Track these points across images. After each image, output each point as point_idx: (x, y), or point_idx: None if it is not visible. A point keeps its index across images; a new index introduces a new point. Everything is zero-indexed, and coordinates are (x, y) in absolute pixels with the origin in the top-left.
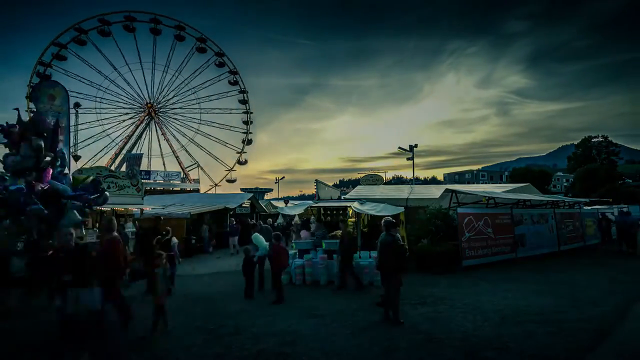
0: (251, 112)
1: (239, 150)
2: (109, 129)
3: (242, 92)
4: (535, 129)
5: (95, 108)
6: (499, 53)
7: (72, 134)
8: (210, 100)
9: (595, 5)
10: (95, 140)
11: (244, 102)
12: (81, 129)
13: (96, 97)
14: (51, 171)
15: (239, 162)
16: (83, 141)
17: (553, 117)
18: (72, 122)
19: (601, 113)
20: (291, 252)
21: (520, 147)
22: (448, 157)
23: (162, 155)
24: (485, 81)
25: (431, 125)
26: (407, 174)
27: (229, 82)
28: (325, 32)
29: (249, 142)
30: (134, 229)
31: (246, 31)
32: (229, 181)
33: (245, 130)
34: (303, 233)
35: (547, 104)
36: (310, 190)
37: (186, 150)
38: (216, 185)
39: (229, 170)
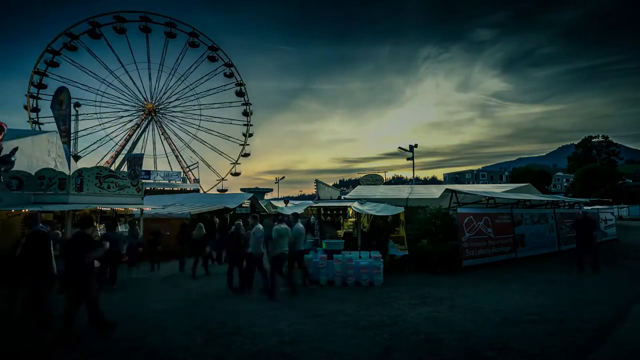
0: (250, 104)
1: (242, 143)
2: (109, 127)
3: (246, 104)
4: (523, 130)
5: (96, 113)
6: (473, 59)
7: (72, 132)
8: (209, 94)
9: (554, 17)
10: (95, 138)
11: (246, 114)
12: (81, 130)
13: (95, 101)
14: None
15: (242, 155)
16: (83, 136)
17: (539, 119)
18: (72, 121)
19: (584, 115)
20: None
21: (510, 147)
22: (440, 158)
23: (155, 156)
24: (464, 85)
25: (419, 127)
26: (403, 174)
27: (225, 75)
28: (303, 39)
29: (246, 154)
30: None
31: (227, 38)
32: (233, 174)
33: (246, 122)
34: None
35: (529, 107)
36: (310, 190)
37: (182, 154)
38: (223, 179)
39: (233, 163)
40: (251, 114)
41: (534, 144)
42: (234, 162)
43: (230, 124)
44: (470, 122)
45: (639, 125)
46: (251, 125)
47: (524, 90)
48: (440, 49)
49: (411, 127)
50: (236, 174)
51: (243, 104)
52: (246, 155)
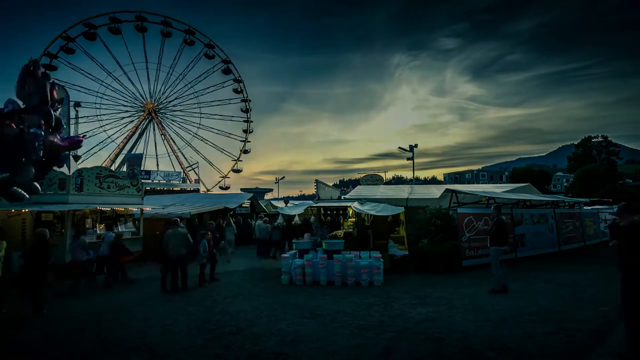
0: (251, 121)
1: (235, 158)
2: (109, 128)
3: (245, 100)
4: (509, 131)
5: (96, 103)
6: (442, 66)
7: (71, 134)
8: (212, 105)
9: (510, 27)
10: (96, 141)
11: (245, 111)
12: (81, 130)
13: (97, 92)
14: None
15: (234, 170)
16: (85, 138)
17: (522, 122)
18: (72, 122)
19: (565, 118)
20: (291, 252)
21: (499, 148)
22: (431, 159)
23: (157, 156)
24: (439, 90)
25: (404, 129)
26: (400, 174)
27: (234, 90)
28: (283, 48)
29: (246, 151)
30: (134, 229)
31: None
32: (222, 188)
33: (246, 119)
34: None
35: (508, 110)
36: (310, 190)
37: (182, 153)
38: (208, 190)
39: (222, 177)
40: (251, 131)
41: (522, 144)
42: (236, 158)
43: (231, 120)
44: (453, 124)
45: (620, 126)
46: (251, 122)
47: (497, 94)
48: (409, 57)
49: (396, 129)
50: (238, 171)
51: (242, 101)
52: (247, 151)
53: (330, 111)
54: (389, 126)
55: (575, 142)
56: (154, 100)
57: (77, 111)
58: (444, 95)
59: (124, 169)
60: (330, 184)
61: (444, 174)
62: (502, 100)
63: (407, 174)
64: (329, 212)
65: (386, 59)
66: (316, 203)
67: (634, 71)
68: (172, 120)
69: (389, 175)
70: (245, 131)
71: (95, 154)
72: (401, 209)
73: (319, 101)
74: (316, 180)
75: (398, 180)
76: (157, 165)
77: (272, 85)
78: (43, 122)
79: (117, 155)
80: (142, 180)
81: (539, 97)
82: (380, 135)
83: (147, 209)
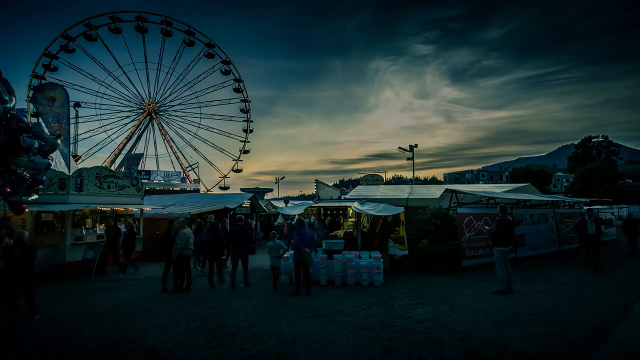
0: (251, 121)
1: (235, 158)
2: (109, 128)
3: (244, 100)
4: (498, 132)
5: (96, 104)
6: (421, 71)
7: (71, 134)
8: (212, 105)
9: (481, 35)
10: (96, 141)
11: (245, 111)
12: (81, 131)
13: (97, 92)
14: None
15: (235, 170)
16: (84, 139)
17: (509, 124)
18: (72, 123)
19: (551, 120)
20: (291, 252)
21: (491, 149)
22: (425, 160)
23: (157, 156)
24: (422, 93)
25: (392, 130)
26: (399, 174)
27: (234, 90)
28: (266, 54)
29: (246, 151)
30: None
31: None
32: (221, 188)
33: (246, 119)
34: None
35: (492, 112)
36: (310, 190)
37: (182, 153)
38: (225, 176)
39: (222, 177)
40: (251, 131)
41: (513, 145)
42: (236, 158)
43: (231, 120)
44: (440, 126)
45: (610, 127)
46: (252, 121)
47: (479, 97)
48: (388, 62)
49: (385, 131)
50: (238, 171)
51: (242, 101)
52: (247, 152)
53: (320, 113)
54: (378, 127)
55: (575, 142)
56: (154, 101)
57: (77, 111)
58: (428, 98)
59: (124, 169)
60: (330, 184)
61: (444, 174)
62: (485, 103)
63: (404, 174)
64: (329, 212)
65: (365, 64)
66: (316, 203)
67: (609, 75)
68: (172, 121)
69: (389, 175)
70: (245, 131)
71: (95, 155)
72: (401, 209)
73: (308, 104)
74: (316, 180)
75: (398, 180)
76: (157, 165)
77: (260, 88)
78: None
79: (117, 155)
80: (142, 180)
81: (521, 100)
82: (370, 136)
83: (147, 209)
